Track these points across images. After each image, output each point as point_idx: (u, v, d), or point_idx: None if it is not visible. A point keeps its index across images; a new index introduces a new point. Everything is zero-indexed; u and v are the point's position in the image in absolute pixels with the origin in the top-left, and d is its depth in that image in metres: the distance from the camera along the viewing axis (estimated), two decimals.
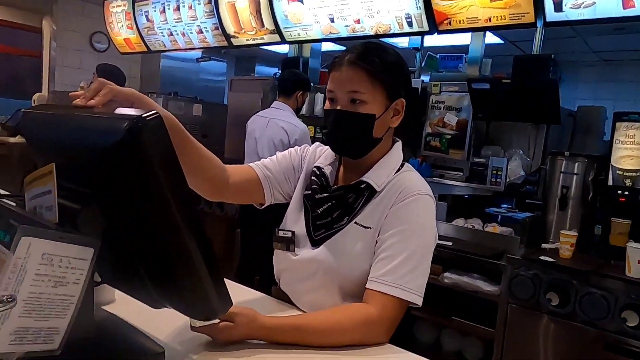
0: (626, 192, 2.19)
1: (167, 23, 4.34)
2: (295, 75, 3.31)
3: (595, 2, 2.31)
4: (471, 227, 2.58)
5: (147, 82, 5.37)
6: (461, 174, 3.05)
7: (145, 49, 4.74)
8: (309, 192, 1.18)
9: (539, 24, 2.52)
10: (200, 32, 4.11)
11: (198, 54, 5.17)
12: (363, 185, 1.12)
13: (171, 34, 4.38)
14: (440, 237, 2.16)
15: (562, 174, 2.39)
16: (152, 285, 0.76)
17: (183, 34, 4.28)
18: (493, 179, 2.73)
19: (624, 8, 2.24)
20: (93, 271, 0.66)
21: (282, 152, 1.29)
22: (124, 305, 0.96)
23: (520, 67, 2.72)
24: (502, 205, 3.06)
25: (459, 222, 2.65)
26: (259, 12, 3.57)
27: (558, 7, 2.41)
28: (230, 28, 3.86)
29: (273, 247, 1.19)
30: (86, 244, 0.65)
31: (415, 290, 1.01)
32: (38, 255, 0.60)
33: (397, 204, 1.08)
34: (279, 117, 3.12)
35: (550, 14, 2.44)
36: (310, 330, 0.96)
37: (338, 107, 1.09)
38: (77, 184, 0.72)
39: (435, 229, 1.11)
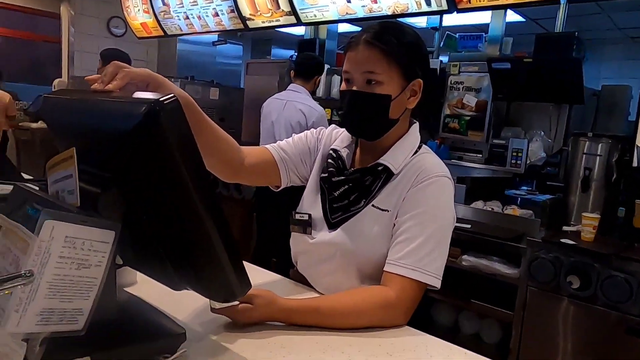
0: None
1: (183, 6, 4.33)
2: (314, 59, 3.32)
3: None
4: (490, 209, 2.55)
5: (164, 67, 5.39)
6: (480, 156, 3.01)
7: (162, 33, 4.74)
8: (326, 174, 1.17)
9: (562, 0, 2.45)
10: (216, 14, 4.09)
11: (214, 37, 5.16)
12: (380, 168, 1.11)
13: (187, 18, 4.37)
14: (459, 220, 2.14)
15: (584, 155, 2.34)
16: (172, 267, 0.77)
17: (199, 17, 4.27)
18: (513, 161, 2.69)
19: None
20: (115, 254, 0.67)
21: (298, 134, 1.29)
22: (145, 287, 0.98)
23: (543, 46, 2.65)
24: (522, 188, 3.02)
25: (478, 204, 2.62)
26: None
27: None
28: (246, 10, 3.83)
29: (290, 230, 1.20)
30: (107, 227, 0.66)
31: (434, 273, 1.01)
32: (61, 238, 0.61)
33: (414, 187, 1.07)
34: (297, 100, 3.11)
35: None
36: (328, 312, 0.97)
37: (354, 88, 1.07)
38: (97, 168, 0.73)
39: (453, 211, 1.10)
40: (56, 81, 5.09)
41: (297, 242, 1.20)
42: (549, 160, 2.76)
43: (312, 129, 1.29)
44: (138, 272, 1.05)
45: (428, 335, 0.98)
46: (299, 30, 4.71)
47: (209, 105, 4.33)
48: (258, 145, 1.33)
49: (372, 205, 1.10)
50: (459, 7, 2.76)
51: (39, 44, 7.02)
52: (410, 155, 1.12)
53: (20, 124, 5.76)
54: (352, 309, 0.98)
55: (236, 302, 0.90)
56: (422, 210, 1.05)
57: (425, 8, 2.90)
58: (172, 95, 0.65)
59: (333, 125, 1.30)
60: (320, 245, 1.14)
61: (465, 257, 2.38)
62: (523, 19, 5.09)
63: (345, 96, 1.09)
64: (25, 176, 1.73)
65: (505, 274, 2.27)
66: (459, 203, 2.56)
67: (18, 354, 0.58)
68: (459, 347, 0.93)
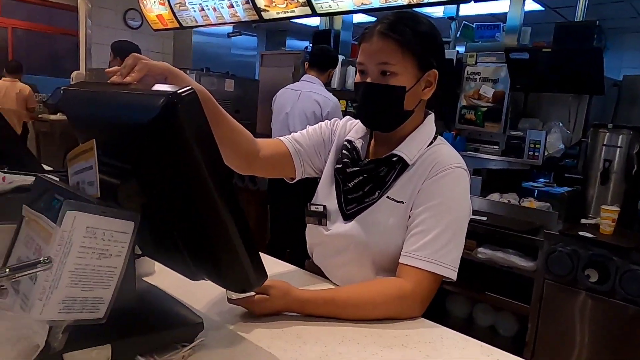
0: None
1: None
2: (330, 52, 3.33)
3: None
4: (507, 201, 2.53)
5: (179, 58, 5.42)
6: (497, 147, 2.98)
7: (178, 25, 4.76)
8: (340, 166, 1.17)
9: None
10: (231, 6, 4.09)
11: (229, 28, 5.16)
12: (395, 159, 1.10)
13: (202, 9, 4.37)
14: (475, 212, 2.13)
15: (604, 147, 2.30)
16: (190, 258, 0.78)
17: (214, 9, 4.27)
18: (530, 153, 2.66)
19: None
20: (134, 244, 0.69)
21: (312, 125, 1.29)
22: (163, 277, 0.99)
23: (562, 35, 2.60)
24: (539, 180, 2.98)
25: (494, 196, 2.60)
26: None
27: None
28: (261, 1, 3.82)
29: (305, 221, 1.20)
30: (127, 217, 0.67)
31: (450, 265, 1.01)
32: (82, 228, 0.62)
33: (430, 179, 1.06)
34: (312, 90, 3.11)
35: None
36: (344, 303, 0.97)
37: (368, 80, 1.07)
38: (116, 159, 0.74)
39: (469, 203, 1.09)
40: (74, 73, 5.15)
41: (313, 233, 1.21)
42: (568, 152, 2.72)
43: (326, 121, 1.29)
44: (156, 262, 1.06)
45: (444, 327, 0.98)
46: (314, 21, 4.68)
47: (224, 96, 4.34)
48: (271, 137, 1.33)
49: (387, 197, 1.09)
50: None
51: (56, 37, 7.12)
52: (426, 147, 1.12)
53: (39, 115, 5.87)
54: (368, 300, 0.98)
55: (252, 293, 0.91)
56: (437, 202, 1.04)
57: None
58: (189, 87, 0.65)
59: (347, 117, 1.29)
60: (335, 236, 1.14)
61: (481, 249, 2.37)
62: (542, 8, 5.00)
63: (359, 88, 1.09)
64: (46, 167, 1.77)
65: (521, 267, 2.25)
66: (475, 195, 2.54)
67: (40, 335, 0.60)
68: (474, 340, 0.93)
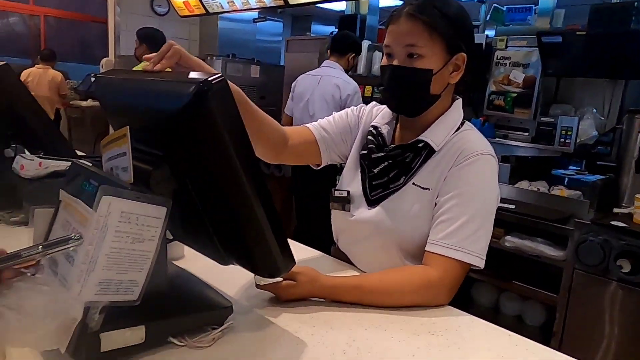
0: None
1: None
2: (349, 37, 3.35)
3: None
4: (536, 189, 2.48)
5: (205, 45, 5.44)
6: (527, 134, 2.91)
7: (204, 11, 4.77)
8: (365, 151, 1.16)
9: None
10: None
11: (254, 14, 5.15)
12: (421, 145, 1.09)
13: None
14: (503, 200, 2.10)
15: None
16: (220, 243, 0.79)
17: None
18: (562, 140, 2.58)
19: None
20: (166, 228, 0.70)
21: (336, 110, 1.28)
22: (193, 262, 1.01)
23: (598, 17, 2.50)
24: (570, 168, 2.90)
25: (523, 184, 2.55)
26: None
27: None
28: None
29: (329, 207, 1.20)
30: (160, 203, 0.68)
31: (478, 253, 1.00)
32: (117, 213, 0.64)
33: (457, 165, 1.05)
34: (332, 75, 3.17)
35: None
36: (370, 290, 0.97)
37: (394, 63, 1.05)
38: (148, 146, 0.76)
39: (497, 190, 1.07)
40: (104, 60, 5.24)
41: (337, 219, 1.21)
42: (601, 139, 2.64)
43: (352, 107, 1.28)
44: (186, 247, 1.09)
45: (471, 315, 0.97)
46: (340, 6, 4.63)
47: (250, 83, 4.36)
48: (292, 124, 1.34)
49: (413, 184, 1.08)
50: None
51: (86, 24, 7.25)
52: (453, 132, 1.10)
53: (71, 102, 6.01)
54: (395, 288, 0.98)
55: (280, 279, 0.92)
56: (464, 190, 1.03)
57: None
58: (219, 75, 0.66)
59: (374, 103, 1.28)
60: (359, 222, 1.14)
61: (508, 237, 2.33)
62: None
63: (385, 71, 1.07)
64: (79, 152, 1.81)
65: (550, 256, 2.22)
66: (503, 183, 2.50)
67: (77, 309, 0.62)
68: (502, 329, 0.93)
